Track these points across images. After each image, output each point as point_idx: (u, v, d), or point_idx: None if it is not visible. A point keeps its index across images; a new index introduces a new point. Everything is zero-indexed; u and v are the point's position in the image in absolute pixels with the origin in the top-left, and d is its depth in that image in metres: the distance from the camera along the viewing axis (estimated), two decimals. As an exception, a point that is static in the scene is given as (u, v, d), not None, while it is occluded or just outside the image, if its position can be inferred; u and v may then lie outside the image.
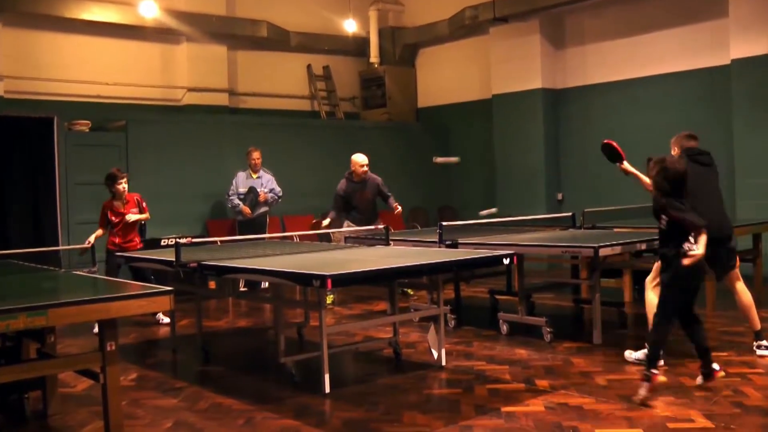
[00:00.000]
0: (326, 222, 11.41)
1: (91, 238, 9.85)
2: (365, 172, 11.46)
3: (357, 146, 13.55)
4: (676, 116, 13.21)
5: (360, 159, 11.50)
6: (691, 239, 6.03)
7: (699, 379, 6.32)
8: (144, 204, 10.44)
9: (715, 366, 6.28)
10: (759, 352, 7.44)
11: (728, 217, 7.73)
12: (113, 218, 10.23)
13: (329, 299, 11.32)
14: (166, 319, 10.36)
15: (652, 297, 7.11)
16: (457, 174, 17.16)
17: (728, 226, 7.57)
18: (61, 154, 12.27)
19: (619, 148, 7.87)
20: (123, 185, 10.25)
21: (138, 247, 10.34)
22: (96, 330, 9.66)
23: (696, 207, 7.20)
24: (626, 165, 7.84)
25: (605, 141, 8.00)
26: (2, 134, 12.46)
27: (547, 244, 8.44)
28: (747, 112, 12.20)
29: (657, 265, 6.83)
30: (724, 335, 8.38)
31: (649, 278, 7.35)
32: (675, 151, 7.60)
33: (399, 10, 18.17)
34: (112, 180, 10.24)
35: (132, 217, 10.21)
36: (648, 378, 5.95)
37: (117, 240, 10.23)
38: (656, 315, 6.24)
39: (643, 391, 5.97)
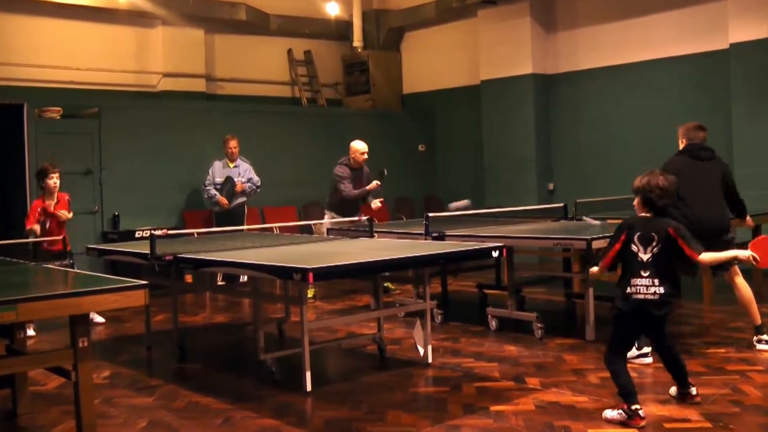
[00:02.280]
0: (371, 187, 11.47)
1: (37, 229, 9.86)
2: (366, 159, 11.48)
3: (339, 134, 13.58)
4: (672, 103, 13.24)
5: (361, 146, 11.51)
6: (641, 278, 5.57)
7: (673, 390, 6.04)
8: (69, 206, 10.13)
9: (693, 390, 5.93)
10: (759, 346, 7.49)
11: (725, 211, 7.78)
12: (42, 218, 9.94)
13: (310, 293, 11.29)
14: (100, 319, 10.32)
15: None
16: (444, 163, 17.18)
17: (725, 220, 7.66)
18: (31, 143, 12.17)
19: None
20: (54, 181, 9.96)
21: (60, 249, 9.97)
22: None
23: (688, 201, 7.31)
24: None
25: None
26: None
27: (537, 236, 8.46)
28: (746, 98, 12.22)
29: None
30: (722, 331, 8.41)
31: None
32: (682, 143, 7.75)
33: (384, -8, 18.17)
34: (42, 175, 9.95)
35: (65, 213, 9.97)
36: (630, 415, 5.49)
37: (46, 245, 9.91)
38: (606, 360, 5.76)
39: (613, 415, 5.58)
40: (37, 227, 9.89)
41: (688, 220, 7.06)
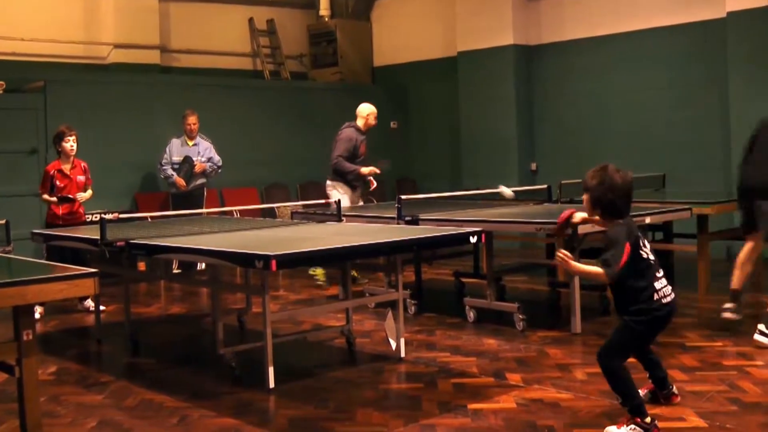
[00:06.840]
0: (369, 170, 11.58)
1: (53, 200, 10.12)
2: (375, 125, 11.65)
3: (305, 110, 13.54)
4: (666, 75, 13.23)
5: (374, 109, 11.75)
6: (660, 280, 5.37)
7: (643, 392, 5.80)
8: (88, 174, 10.48)
9: (675, 390, 5.87)
10: (724, 314, 7.81)
11: None
12: (59, 183, 10.13)
13: (320, 276, 11.36)
14: (91, 304, 10.35)
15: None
16: (418, 141, 17.17)
17: None
18: (-29, 119, 12.13)
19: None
20: (71, 144, 10.21)
21: (84, 218, 10.39)
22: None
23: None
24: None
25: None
26: None
27: (519, 220, 8.46)
28: (745, 70, 12.21)
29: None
30: (719, 323, 8.40)
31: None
32: None
33: (353, -44, 18.09)
34: (58, 138, 10.22)
35: (83, 195, 10.30)
36: (647, 428, 5.20)
37: (62, 210, 10.07)
38: (606, 364, 5.48)
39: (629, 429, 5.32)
40: (50, 198, 10.19)
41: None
